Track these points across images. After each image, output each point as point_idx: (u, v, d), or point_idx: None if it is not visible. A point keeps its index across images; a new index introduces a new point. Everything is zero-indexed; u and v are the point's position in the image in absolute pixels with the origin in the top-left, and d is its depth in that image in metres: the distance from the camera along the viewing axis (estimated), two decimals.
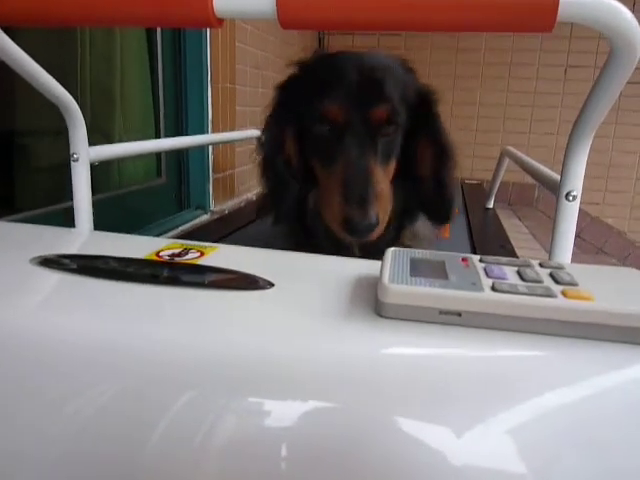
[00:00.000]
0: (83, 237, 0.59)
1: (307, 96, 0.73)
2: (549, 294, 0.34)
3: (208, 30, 1.75)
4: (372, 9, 0.55)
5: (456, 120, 3.08)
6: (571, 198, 0.74)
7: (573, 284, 0.36)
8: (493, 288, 0.34)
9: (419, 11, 0.54)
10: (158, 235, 1.56)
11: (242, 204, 2.04)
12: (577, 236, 2.31)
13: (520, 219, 2.77)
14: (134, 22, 0.64)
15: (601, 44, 2.86)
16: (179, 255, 0.47)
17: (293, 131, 0.76)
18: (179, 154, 1.77)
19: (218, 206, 1.89)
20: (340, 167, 0.69)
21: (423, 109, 0.76)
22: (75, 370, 0.34)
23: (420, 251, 0.42)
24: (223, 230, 1.43)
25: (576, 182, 0.72)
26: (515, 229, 2.56)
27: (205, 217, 1.81)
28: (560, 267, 0.39)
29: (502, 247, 1.36)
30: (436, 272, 0.37)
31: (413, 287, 0.34)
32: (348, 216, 0.65)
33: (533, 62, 2.96)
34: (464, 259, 0.40)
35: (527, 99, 3.01)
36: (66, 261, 0.44)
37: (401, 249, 0.42)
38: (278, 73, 2.48)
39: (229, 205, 1.95)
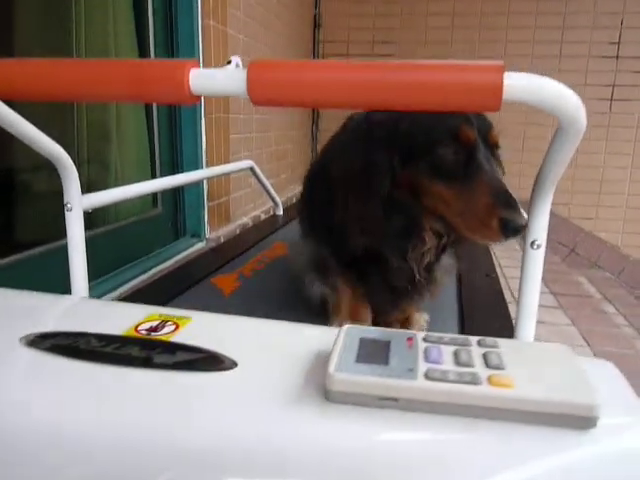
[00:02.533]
0: (75, 307, 0.64)
1: (416, 129, 0.80)
2: (475, 381, 0.38)
3: (201, 58, 1.79)
4: (332, 92, 0.60)
5: None
6: (536, 247, 0.78)
7: (500, 368, 0.40)
8: (426, 375, 0.39)
9: (377, 92, 0.59)
10: (155, 266, 1.60)
11: (237, 231, 2.08)
12: (572, 251, 2.35)
13: None
14: (118, 99, 0.69)
15: (591, 62, 2.92)
16: (155, 329, 0.51)
17: (391, 160, 0.81)
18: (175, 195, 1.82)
19: (213, 233, 1.94)
20: (481, 179, 0.76)
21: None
22: (43, 455, 0.38)
23: (371, 329, 0.46)
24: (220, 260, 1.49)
25: (540, 232, 0.76)
26: (508, 244, 2.60)
27: (200, 245, 1.86)
28: (494, 346, 0.43)
29: (487, 276, 1.41)
30: (379, 356, 0.41)
31: (355, 376, 0.39)
32: (506, 217, 0.72)
33: None
34: (409, 338, 0.45)
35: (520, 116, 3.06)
36: (51, 341, 0.48)
37: (355, 327, 0.47)
38: None
39: (224, 231, 2.00)
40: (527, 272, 0.80)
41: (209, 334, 0.50)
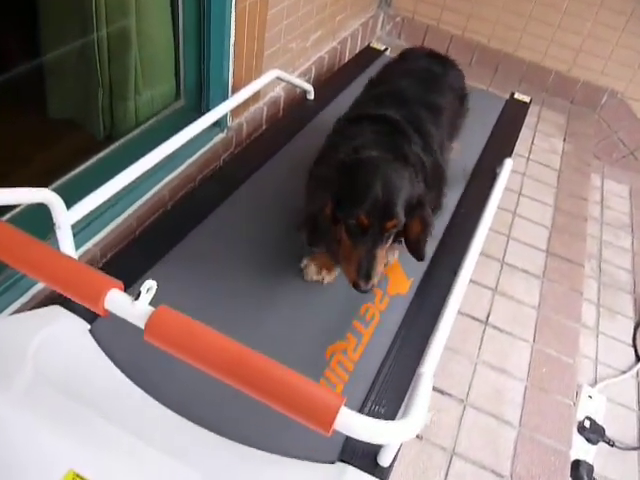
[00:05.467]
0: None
1: (347, 197, 1.16)
2: None
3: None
4: (204, 363, 0.71)
5: None
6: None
7: None
8: None
9: (239, 379, 0.70)
10: (183, 162, 1.73)
11: (264, 111, 2.06)
12: (630, 153, 2.34)
13: (565, 137, 2.62)
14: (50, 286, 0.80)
15: None
16: None
17: (331, 203, 1.20)
18: (199, 72, 1.78)
19: (236, 120, 1.95)
20: (360, 249, 1.14)
21: (418, 202, 1.20)
22: None
23: None
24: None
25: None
26: (543, 157, 2.46)
27: (221, 135, 1.90)
28: None
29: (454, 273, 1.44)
30: None
31: None
32: (358, 283, 1.13)
33: None
34: None
35: None
36: None
37: None
38: None
39: (248, 116, 2.00)
40: None
41: None
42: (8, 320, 1.14)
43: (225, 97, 1.85)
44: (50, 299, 1.24)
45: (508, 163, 1.54)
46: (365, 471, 1.03)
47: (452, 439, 1.36)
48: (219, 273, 1.37)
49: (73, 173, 1.45)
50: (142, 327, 0.72)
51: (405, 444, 1.32)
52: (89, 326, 1.17)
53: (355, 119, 1.43)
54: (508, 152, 1.84)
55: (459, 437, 1.36)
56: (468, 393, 1.47)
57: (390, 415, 1.14)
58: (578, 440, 1.59)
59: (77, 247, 1.39)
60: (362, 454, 1.06)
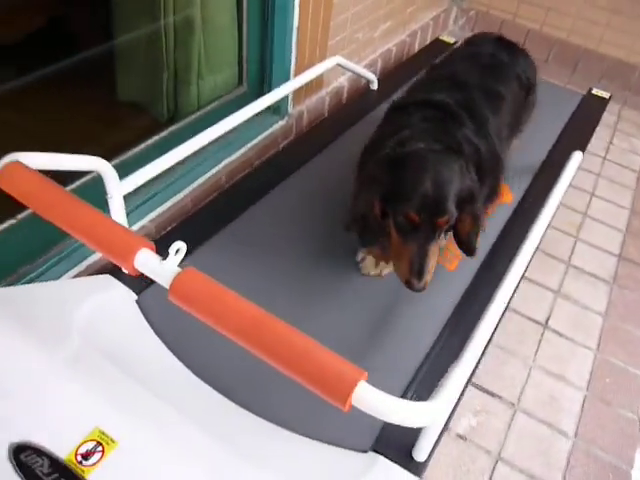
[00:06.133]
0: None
1: (395, 194, 1.11)
2: None
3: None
4: (228, 326, 0.70)
5: None
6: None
7: None
8: None
9: (266, 347, 0.68)
10: (240, 149, 1.75)
11: (327, 100, 2.04)
12: None
13: None
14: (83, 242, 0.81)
15: None
16: (87, 456, 0.76)
17: (379, 202, 1.14)
18: (262, 59, 1.79)
19: (297, 108, 1.94)
20: (411, 246, 1.09)
21: (469, 195, 1.13)
22: None
23: None
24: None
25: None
26: (622, 158, 2.28)
27: (281, 123, 1.90)
28: None
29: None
30: None
31: None
32: (410, 281, 1.08)
33: None
34: None
35: None
36: (24, 455, 0.75)
37: None
38: None
39: (310, 104, 1.98)
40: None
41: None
42: (60, 284, 1.18)
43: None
44: (103, 270, 1.29)
45: (576, 156, 1.43)
46: (398, 463, 0.99)
47: (499, 443, 1.28)
48: (269, 257, 1.37)
49: (132, 152, 1.49)
50: (167, 287, 0.71)
51: (447, 444, 1.26)
52: (136, 297, 1.19)
53: (404, 105, 1.37)
54: (580, 147, 1.72)
55: (506, 442, 1.28)
56: (520, 397, 1.38)
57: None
58: None
59: (134, 222, 1.44)
60: (396, 446, 1.02)
